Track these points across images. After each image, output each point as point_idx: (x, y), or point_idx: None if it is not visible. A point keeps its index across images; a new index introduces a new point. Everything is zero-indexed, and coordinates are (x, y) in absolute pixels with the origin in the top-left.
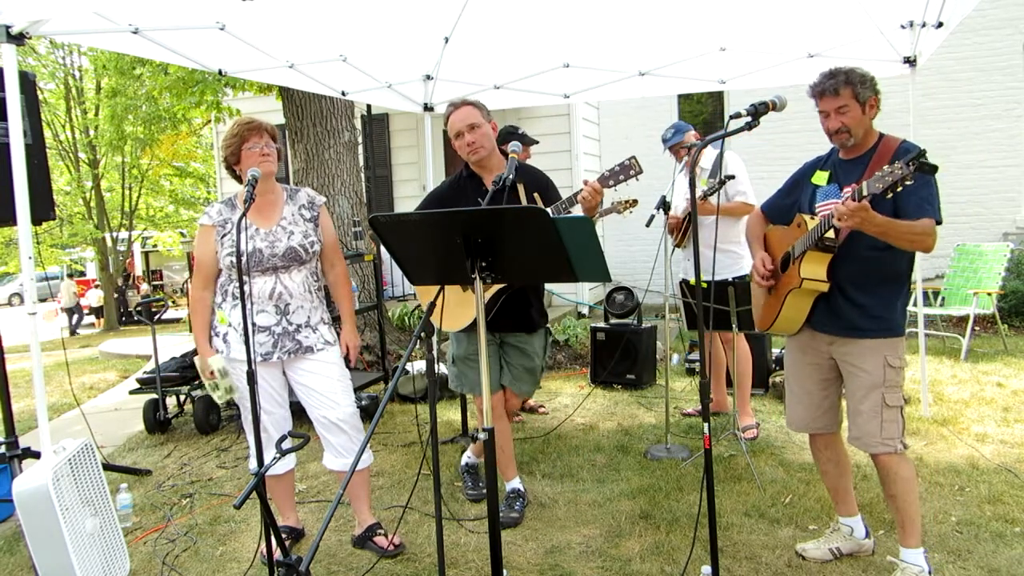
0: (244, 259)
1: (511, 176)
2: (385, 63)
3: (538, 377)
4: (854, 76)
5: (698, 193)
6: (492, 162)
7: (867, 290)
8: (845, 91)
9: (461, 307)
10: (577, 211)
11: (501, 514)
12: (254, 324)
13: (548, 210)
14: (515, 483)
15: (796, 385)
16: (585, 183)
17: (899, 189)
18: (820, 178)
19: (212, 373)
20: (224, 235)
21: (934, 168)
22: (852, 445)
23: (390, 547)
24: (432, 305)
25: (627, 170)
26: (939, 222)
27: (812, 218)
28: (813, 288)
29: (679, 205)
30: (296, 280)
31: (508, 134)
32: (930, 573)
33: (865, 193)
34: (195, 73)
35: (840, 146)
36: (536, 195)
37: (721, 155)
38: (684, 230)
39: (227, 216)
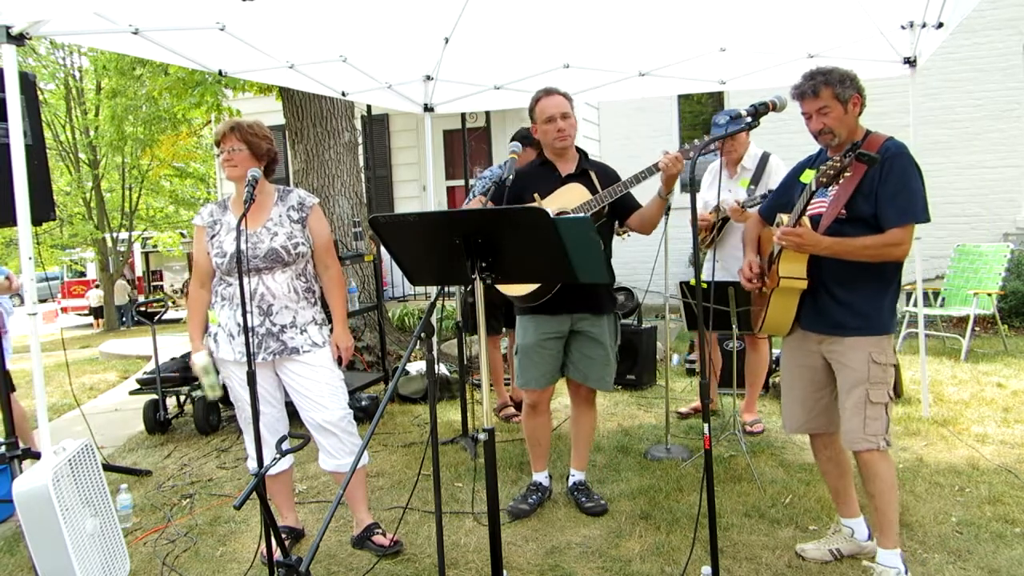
0: (228, 260)
1: (510, 177)
2: (385, 63)
3: (613, 366)
4: (833, 76)
5: (739, 198)
6: (570, 153)
7: (852, 287)
8: (825, 92)
9: None
10: (657, 179)
11: (513, 503)
12: (242, 325)
13: (548, 210)
14: (540, 476)
15: (789, 386)
16: (665, 153)
17: (840, 180)
18: (808, 176)
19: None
20: (213, 236)
21: (873, 159)
22: (842, 443)
23: (389, 544)
24: (432, 306)
25: (708, 144)
26: (924, 220)
27: (788, 216)
28: (792, 286)
29: (710, 203)
30: (279, 281)
31: (523, 137)
32: (906, 573)
33: (814, 188)
34: (195, 74)
35: (825, 146)
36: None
37: (766, 158)
38: (717, 231)
39: (217, 217)
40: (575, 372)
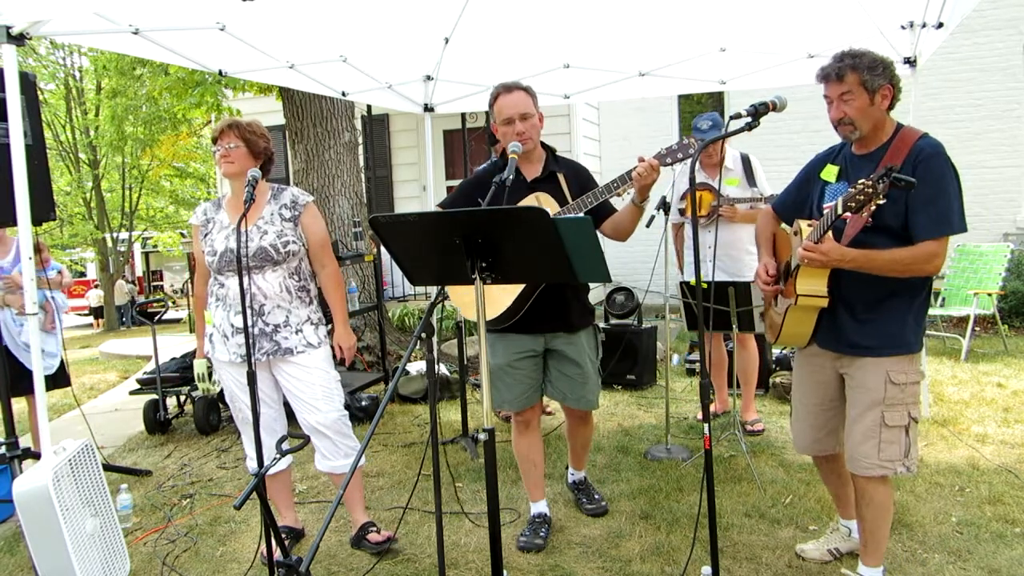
0: (219, 259)
1: (511, 176)
2: (385, 63)
3: (595, 382)
4: (863, 61)
5: (732, 194)
6: (535, 154)
7: (873, 305)
8: (851, 77)
9: (495, 291)
10: (630, 189)
11: (525, 539)
12: (238, 325)
13: (548, 210)
14: (541, 506)
15: (800, 403)
16: (640, 159)
17: (873, 208)
18: (829, 173)
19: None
20: (206, 235)
21: (910, 184)
22: (848, 467)
23: (383, 540)
24: (432, 306)
25: (685, 148)
26: (960, 231)
27: (809, 226)
28: (811, 304)
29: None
30: (270, 280)
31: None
32: None
33: (840, 212)
34: (195, 74)
35: (845, 139)
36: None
37: (747, 159)
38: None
39: (211, 216)
40: (554, 392)
